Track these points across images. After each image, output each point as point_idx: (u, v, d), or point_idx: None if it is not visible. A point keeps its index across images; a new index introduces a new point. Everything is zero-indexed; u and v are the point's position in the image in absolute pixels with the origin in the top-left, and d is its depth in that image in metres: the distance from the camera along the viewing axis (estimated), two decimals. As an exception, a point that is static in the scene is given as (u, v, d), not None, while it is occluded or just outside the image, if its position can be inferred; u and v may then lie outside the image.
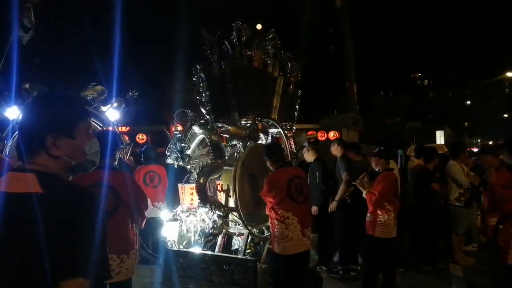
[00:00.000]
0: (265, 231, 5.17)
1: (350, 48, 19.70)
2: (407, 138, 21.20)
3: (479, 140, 38.11)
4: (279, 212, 4.42)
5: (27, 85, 8.04)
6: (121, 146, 5.76)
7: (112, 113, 8.82)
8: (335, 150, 6.90)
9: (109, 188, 3.53)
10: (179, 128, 5.40)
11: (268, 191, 4.48)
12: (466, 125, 41.22)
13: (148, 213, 6.46)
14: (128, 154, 8.91)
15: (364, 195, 5.54)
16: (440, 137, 25.10)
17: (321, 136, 14.00)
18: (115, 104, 8.96)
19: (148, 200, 6.75)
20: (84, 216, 1.44)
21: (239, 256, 4.70)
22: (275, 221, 4.46)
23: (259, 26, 5.94)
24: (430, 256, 7.07)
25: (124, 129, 13.79)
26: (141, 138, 15.97)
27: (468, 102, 42.21)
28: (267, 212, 4.59)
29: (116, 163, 3.83)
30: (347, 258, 6.66)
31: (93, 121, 8.60)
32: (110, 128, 8.37)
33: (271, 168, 4.71)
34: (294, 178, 4.54)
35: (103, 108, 9.00)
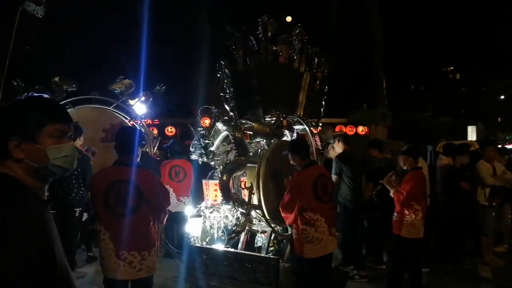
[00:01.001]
0: (289, 229, 5.10)
1: (379, 41, 19.37)
2: (438, 134, 20.67)
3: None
4: (307, 216, 4.31)
5: (56, 79, 8.19)
6: (144, 142, 5.78)
7: (139, 106, 8.94)
8: (338, 147, 6.70)
9: (132, 185, 3.55)
10: (207, 121, 5.37)
11: (294, 195, 4.32)
12: (499, 120, 40.02)
13: (173, 208, 6.54)
14: (156, 147, 9.00)
15: (391, 194, 5.42)
16: (471, 133, 24.42)
17: (350, 131, 13.87)
18: (143, 98, 9.07)
19: (173, 194, 6.85)
20: None
21: (262, 254, 4.65)
22: (303, 226, 4.32)
23: (289, 19, 5.84)
24: (457, 257, 6.90)
25: (153, 122, 14.01)
26: (170, 130, 16.16)
27: (502, 97, 40.90)
28: (290, 222, 4.42)
29: (139, 158, 3.83)
30: (359, 260, 6.52)
31: (120, 114, 8.72)
32: (134, 123, 8.47)
33: (296, 165, 4.58)
34: (319, 177, 4.44)
35: (131, 102, 9.12)
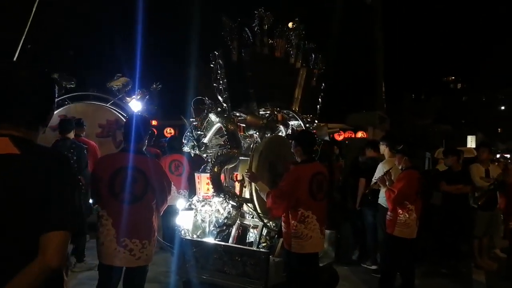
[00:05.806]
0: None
1: (380, 48, 19.41)
2: (437, 141, 20.63)
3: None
4: (299, 212, 4.19)
5: (55, 75, 8.23)
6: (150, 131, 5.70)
7: (135, 104, 8.98)
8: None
9: (140, 172, 3.52)
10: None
11: (291, 186, 4.18)
12: (499, 130, 39.92)
13: (172, 200, 6.52)
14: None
15: (384, 192, 5.39)
16: (471, 142, 24.41)
17: (349, 136, 13.82)
18: (139, 96, 9.13)
19: (173, 188, 6.82)
20: None
21: (252, 248, 4.60)
22: (293, 222, 4.22)
23: (290, 25, 5.77)
24: (450, 259, 6.85)
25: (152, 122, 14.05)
26: (169, 132, 16.15)
27: (502, 108, 40.90)
28: (277, 213, 4.27)
29: (144, 148, 3.80)
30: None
31: (116, 111, 8.74)
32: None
33: (297, 157, 4.41)
34: (316, 174, 4.31)
35: (128, 99, 9.18)
